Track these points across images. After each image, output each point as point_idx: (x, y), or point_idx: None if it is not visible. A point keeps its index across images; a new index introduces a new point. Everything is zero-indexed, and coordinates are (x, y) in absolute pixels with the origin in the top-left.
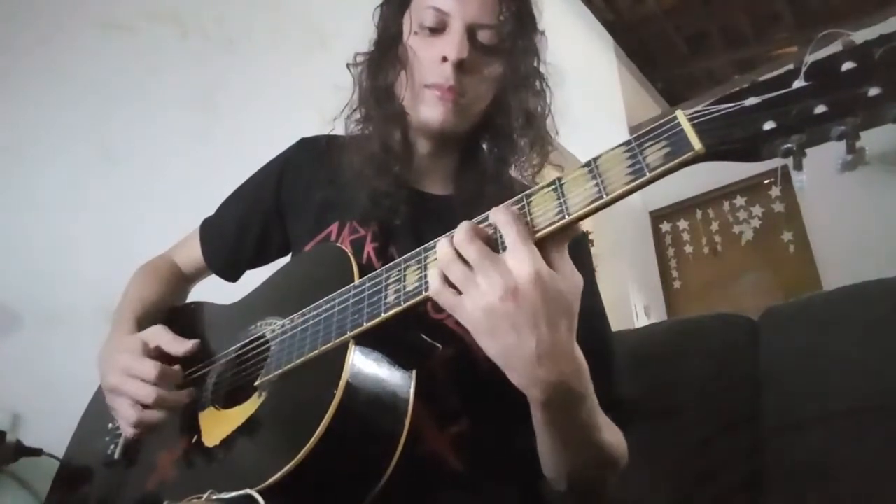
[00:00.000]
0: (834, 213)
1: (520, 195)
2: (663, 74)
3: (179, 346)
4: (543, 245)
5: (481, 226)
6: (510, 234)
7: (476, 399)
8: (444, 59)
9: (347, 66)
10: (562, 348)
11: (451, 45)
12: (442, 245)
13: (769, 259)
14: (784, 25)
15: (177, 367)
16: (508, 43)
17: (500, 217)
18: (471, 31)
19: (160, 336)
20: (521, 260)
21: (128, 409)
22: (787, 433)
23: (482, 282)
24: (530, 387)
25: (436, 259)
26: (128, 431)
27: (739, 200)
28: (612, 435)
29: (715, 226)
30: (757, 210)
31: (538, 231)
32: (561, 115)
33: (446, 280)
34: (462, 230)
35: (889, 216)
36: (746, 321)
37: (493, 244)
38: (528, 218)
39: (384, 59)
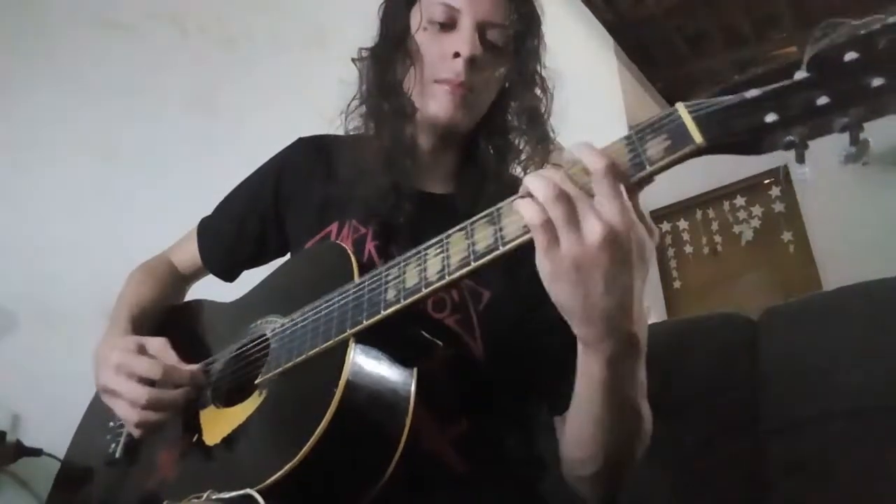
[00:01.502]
0: (834, 212)
1: (627, 134)
2: (663, 74)
3: (179, 367)
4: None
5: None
6: (608, 180)
7: (476, 399)
8: (456, 55)
9: (353, 60)
10: (640, 299)
11: (463, 41)
12: (540, 182)
13: (769, 259)
14: (783, 25)
15: (173, 365)
16: (516, 43)
17: (595, 162)
18: (480, 29)
19: (163, 353)
20: (620, 209)
21: (125, 410)
22: (787, 433)
23: (584, 225)
24: (605, 339)
25: (437, 254)
26: (133, 433)
27: (739, 200)
28: (647, 407)
29: (715, 226)
30: (757, 210)
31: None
32: (560, 115)
33: (545, 220)
34: (552, 170)
35: (889, 216)
36: (746, 321)
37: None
38: (643, 157)
39: (392, 54)
